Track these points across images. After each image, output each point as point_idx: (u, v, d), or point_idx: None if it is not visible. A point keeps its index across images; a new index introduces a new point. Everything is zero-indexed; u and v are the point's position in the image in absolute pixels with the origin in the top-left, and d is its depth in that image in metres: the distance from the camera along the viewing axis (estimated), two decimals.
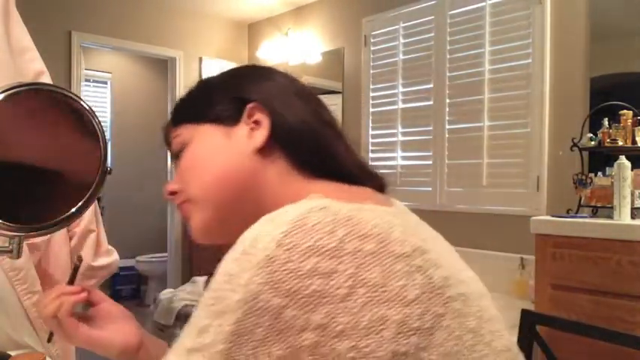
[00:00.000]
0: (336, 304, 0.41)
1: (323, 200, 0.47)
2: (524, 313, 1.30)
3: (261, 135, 0.57)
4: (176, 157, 0.63)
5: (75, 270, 0.70)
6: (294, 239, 0.42)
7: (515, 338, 1.30)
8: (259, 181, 0.57)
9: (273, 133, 0.57)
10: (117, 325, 0.68)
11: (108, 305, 0.70)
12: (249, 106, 0.59)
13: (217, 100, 0.61)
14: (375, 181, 0.61)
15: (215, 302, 0.43)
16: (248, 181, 0.58)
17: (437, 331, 0.44)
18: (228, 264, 0.44)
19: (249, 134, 0.58)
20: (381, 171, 0.64)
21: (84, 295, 0.68)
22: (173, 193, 0.63)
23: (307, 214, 0.44)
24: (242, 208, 0.58)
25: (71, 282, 0.70)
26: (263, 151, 0.57)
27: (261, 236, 0.43)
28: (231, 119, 0.59)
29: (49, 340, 0.69)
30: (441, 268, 0.47)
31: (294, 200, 0.48)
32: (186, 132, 0.62)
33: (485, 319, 0.49)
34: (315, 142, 0.58)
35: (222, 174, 0.59)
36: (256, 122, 0.58)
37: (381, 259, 0.43)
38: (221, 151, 0.59)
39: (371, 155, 3.39)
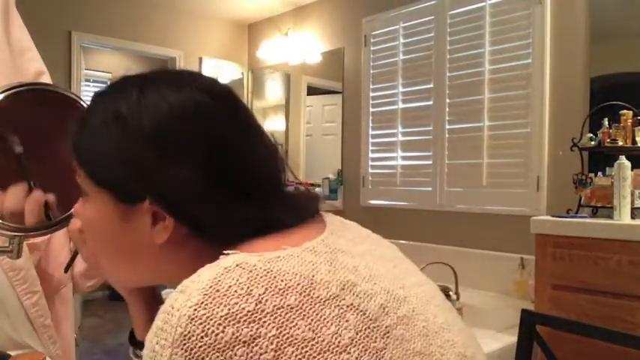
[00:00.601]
0: None
1: (237, 256, 0.44)
2: (524, 313, 1.30)
3: (166, 232, 0.50)
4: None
5: (74, 255, 0.69)
6: (207, 310, 0.39)
7: (515, 338, 1.30)
8: (172, 262, 0.52)
9: (177, 223, 0.50)
10: None
11: None
12: (144, 205, 0.50)
13: (115, 167, 0.50)
14: (306, 209, 0.55)
15: None
16: (158, 265, 0.53)
17: None
18: (150, 338, 0.42)
19: (150, 226, 0.50)
20: (312, 188, 0.58)
21: None
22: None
23: (220, 277, 0.41)
24: (164, 280, 0.56)
25: (67, 269, 0.69)
26: (170, 239, 0.50)
27: (173, 311, 0.40)
28: (128, 198, 0.51)
29: (66, 270, 0.68)
30: (375, 297, 0.45)
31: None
32: (83, 181, 0.54)
33: (433, 333, 0.48)
34: (228, 216, 0.50)
35: (131, 268, 0.55)
36: (157, 216, 0.50)
37: (306, 311, 0.41)
38: (122, 239, 0.52)
39: (371, 155, 3.39)
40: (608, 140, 2.12)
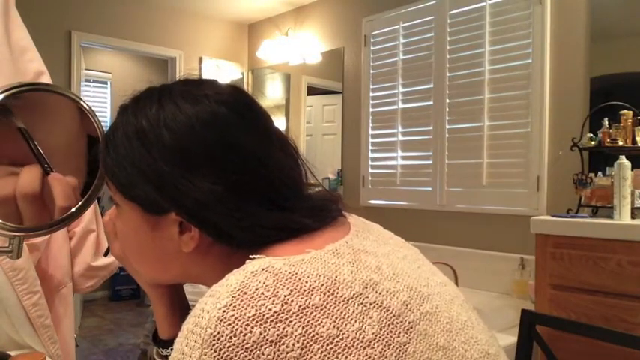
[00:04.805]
0: None
1: (263, 260, 0.46)
2: (524, 313, 1.30)
3: (193, 241, 0.52)
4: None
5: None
6: (235, 312, 0.41)
7: (515, 338, 1.30)
8: (200, 266, 0.55)
9: (202, 232, 0.52)
10: None
11: None
12: (170, 217, 0.52)
13: (141, 182, 0.52)
14: (328, 212, 0.56)
15: None
16: (186, 269, 0.56)
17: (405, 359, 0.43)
18: (180, 340, 0.43)
19: (178, 236, 0.53)
20: (333, 191, 0.60)
21: None
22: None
23: (247, 280, 0.43)
24: (193, 280, 0.58)
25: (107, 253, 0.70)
26: (197, 246, 0.53)
27: (203, 313, 0.42)
28: (156, 210, 0.53)
29: (105, 254, 0.67)
30: (398, 294, 0.47)
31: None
32: (114, 193, 0.57)
33: (457, 329, 0.49)
34: (251, 223, 0.51)
35: (163, 270, 0.57)
36: (181, 225, 0.52)
37: (330, 309, 0.42)
38: (153, 246, 0.55)
39: (371, 155, 3.39)
40: (608, 140, 2.12)
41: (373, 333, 0.42)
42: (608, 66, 2.45)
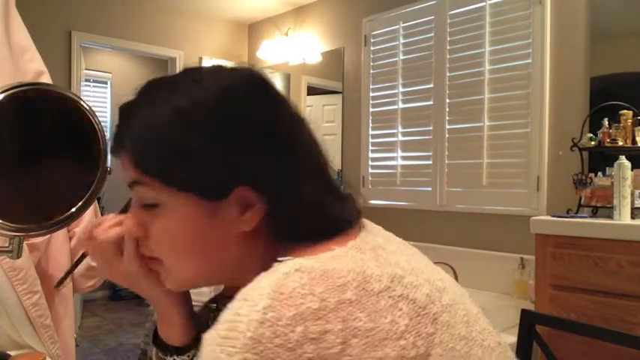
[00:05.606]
0: None
1: (293, 262, 0.46)
2: (524, 313, 1.30)
3: (254, 220, 0.52)
4: (134, 185, 0.55)
5: (82, 257, 0.67)
6: (276, 313, 0.41)
7: (515, 338, 1.30)
8: (243, 259, 0.55)
9: (265, 214, 0.52)
10: None
11: None
12: (239, 190, 0.51)
13: (199, 166, 0.51)
14: (352, 209, 0.57)
15: None
16: (232, 263, 0.55)
17: (432, 350, 0.44)
18: (212, 348, 0.42)
19: (238, 216, 0.52)
20: (350, 192, 0.59)
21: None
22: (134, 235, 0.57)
23: (282, 281, 0.43)
24: (223, 278, 0.58)
25: (70, 271, 0.67)
26: (246, 232, 0.53)
27: (240, 317, 0.42)
28: (216, 193, 0.51)
29: (58, 285, 0.64)
30: (421, 287, 0.47)
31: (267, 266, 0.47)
32: (157, 191, 0.53)
33: (473, 321, 0.50)
34: (313, 214, 0.52)
35: (216, 261, 0.55)
36: (246, 204, 0.52)
37: (364, 304, 0.43)
38: (206, 236, 0.53)
39: (371, 155, 3.39)
40: (608, 140, 2.12)
41: (405, 324, 0.43)
42: (608, 66, 2.45)
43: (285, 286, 0.42)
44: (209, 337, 0.43)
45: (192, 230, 0.53)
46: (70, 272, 0.66)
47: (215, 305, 0.67)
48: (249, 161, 0.51)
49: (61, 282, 0.64)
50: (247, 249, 0.54)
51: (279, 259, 0.47)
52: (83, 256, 0.66)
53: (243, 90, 0.53)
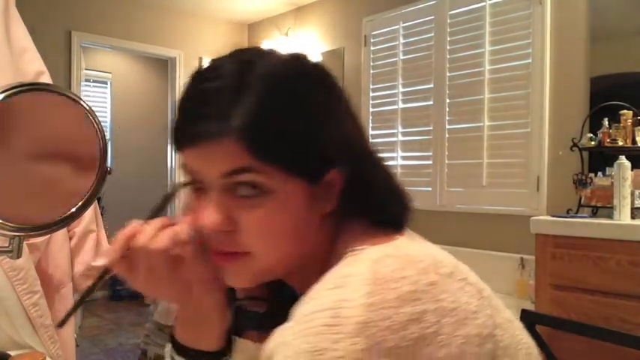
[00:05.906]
0: (432, 344, 0.41)
1: (376, 248, 0.48)
2: (524, 313, 1.30)
3: (335, 199, 0.53)
4: (227, 183, 0.50)
5: (104, 273, 0.57)
6: (380, 296, 0.42)
7: None
8: (320, 245, 0.55)
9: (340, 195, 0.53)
10: None
11: None
12: (334, 172, 0.51)
13: (313, 150, 0.51)
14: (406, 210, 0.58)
15: None
16: (316, 245, 0.55)
17: (495, 330, 0.46)
18: (309, 339, 0.41)
19: (326, 198, 0.52)
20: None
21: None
22: (220, 229, 0.51)
23: (376, 267, 0.44)
24: (297, 265, 0.55)
25: (93, 287, 0.59)
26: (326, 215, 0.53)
27: (343, 303, 0.42)
28: (320, 176, 0.51)
29: (61, 325, 0.59)
30: (469, 272, 0.49)
31: (339, 252, 0.50)
32: (275, 179, 0.49)
33: (503, 309, 0.52)
34: (380, 198, 0.55)
35: (301, 247, 0.53)
36: (331, 185, 0.52)
37: (444, 285, 0.45)
38: (306, 220, 0.52)
39: None
40: (608, 140, 2.12)
41: (475, 305, 0.45)
42: (608, 66, 2.45)
43: (381, 271, 0.44)
44: (307, 326, 0.41)
45: (296, 217, 0.51)
46: (76, 308, 0.60)
47: (238, 306, 0.63)
48: (345, 140, 0.55)
49: (64, 321, 0.58)
50: (323, 233, 0.55)
51: (355, 247, 0.49)
52: (93, 286, 0.58)
53: (320, 76, 0.61)
